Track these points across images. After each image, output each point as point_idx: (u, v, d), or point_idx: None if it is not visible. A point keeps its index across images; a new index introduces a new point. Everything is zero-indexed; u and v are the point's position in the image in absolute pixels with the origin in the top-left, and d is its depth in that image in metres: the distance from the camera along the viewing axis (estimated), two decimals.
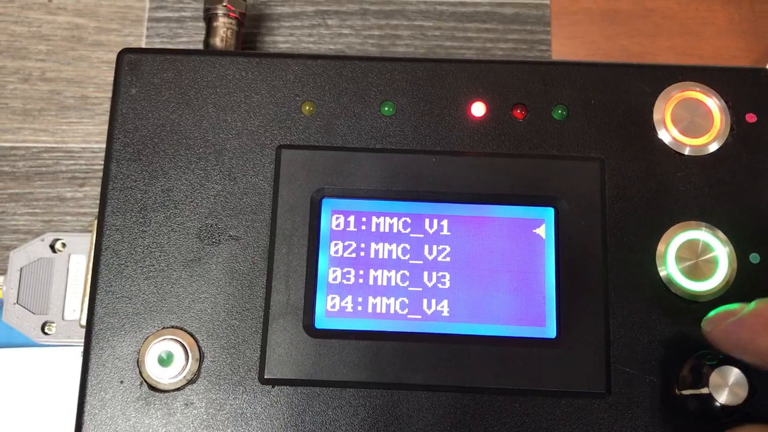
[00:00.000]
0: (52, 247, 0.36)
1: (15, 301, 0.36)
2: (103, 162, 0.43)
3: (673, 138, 0.32)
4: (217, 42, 0.39)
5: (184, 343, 0.29)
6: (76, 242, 0.36)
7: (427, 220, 0.31)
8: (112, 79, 0.44)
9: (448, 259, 0.30)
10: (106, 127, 0.43)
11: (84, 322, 0.33)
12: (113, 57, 0.44)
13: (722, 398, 0.26)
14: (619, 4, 0.47)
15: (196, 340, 0.29)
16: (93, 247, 0.33)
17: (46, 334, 0.36)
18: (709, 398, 0.26)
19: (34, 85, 0.44)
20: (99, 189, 0.42)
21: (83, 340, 0.33)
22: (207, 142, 0.32)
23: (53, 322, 0.36)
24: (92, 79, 0.44)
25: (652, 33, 0.46)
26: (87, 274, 0.34)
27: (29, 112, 0.43)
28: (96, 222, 0.32)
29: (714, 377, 0.26)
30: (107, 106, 0.44)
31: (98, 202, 0.42)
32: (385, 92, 0.32)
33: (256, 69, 0.32)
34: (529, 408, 0.29)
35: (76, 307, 0.36)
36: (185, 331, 0.29)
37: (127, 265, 0.30)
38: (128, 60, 0.32)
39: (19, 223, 0.42)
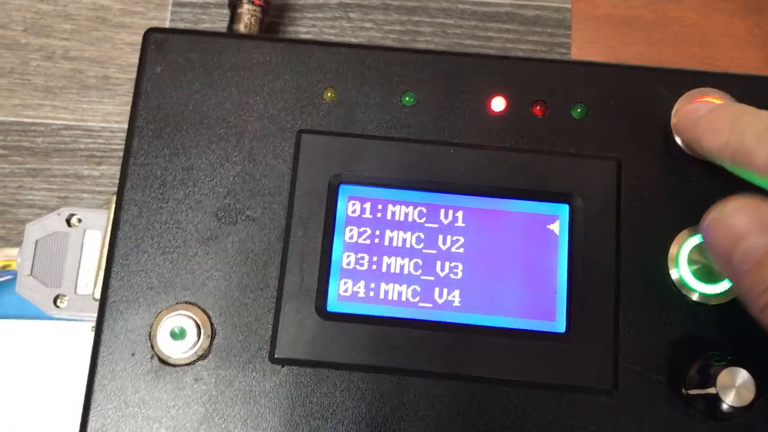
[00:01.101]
0: (68, 221, 0.37)
1: (29, 273, 0.36)
2: (121, 142, 0.43)
3: None
4: (241, 28, 0.39)
5: (197, 319, 0.29)
6: (92, 218, 0.37)
7: (442, 211, 0.31)
8: (134, 60, 0.44)
9: (461, 250, 0.31)
10: (126, 107, 0.44)
11: (97, 295, 0.33)
12: (136, 39, 0.45)
13: (729, 399, 0.26)
14: (639, 12, 0.47)
15: (209, 317, 0.29)
16: (110, 221, 0.33)
17: (58, 307, 0.36)
18: (716, 398, 0.27)
19: (57, 63, 0.44)
20: (116, 168, 0.43)
21: (95, 315, 0.33)
22: (228, 123, 0.32)
23: (65, 296, 0.36)
24: (115, 60, 0.45)
25: (671, 41, 0.46)
26: (102, 248, 0.35)
27: (51, 90, 0.44)
28: (114, 198, 0.33)
29: (722, 377, 0.26)
30: (128, 87, 0.44)
31: (115, 181, 0.43)
32: (406, 83, 0.32)
33: (280, 54, 0.33)
34: (535, 400, 0.29)
35: (89, 282, 0.36)
36: (198, 307, 0.30)
37: (144, 239, 0.30)
38: (155, 39, 0.33)
39: (35, 197, 0.42)
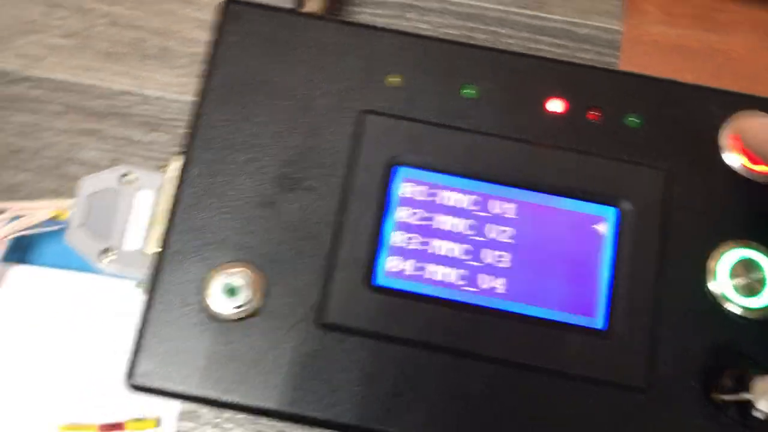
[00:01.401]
0: (122, 179, 0.38)
1: (79, 225, 0.37)
2: (174, 112, 0.44)
3: (738, 162, 0.33)
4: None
5: (250, 278, 0.30)
6: (146, 178, 0.37)
7: (496, 203, 0.32)
8: (195, 36, 0.46)
9: (510, 240, 0.32)
10: (183, 79, 0.45)
11: (147, 250, 0.34)
12: (200, 16, 0.46)
13: (762, 405, 0.27)
14: (687, 42, 0.48)
15: (261, 277, 0.30)
16: (165, 182, 0.34)
17: (104, 260, 0.37)
18: (748, 405, 0.27)
19: (121, 30, 0.45)
20: (167, 137, 0.44)
21: (139, 271, 0.34)
22: (295, 97, 0.33)
23: (113, 251, 0.37)
24: (176, 33, 0.46)
25: (715, 73, 0.48)
26: (156, 207, 0.36)
27: (112, 55, 0.45)
28: (170, 161, 0.34)
29: (757, 384, 0.27)
30: (186, 60, 0.45)
31: (166, 148, 0.44)
32: (470, 76, 0.33)
33: (349, 36, 0.34)
34: (567, 390, 0.30)
35: (137, 239, 0.37)
36: (253, 266, 0.30)
37: (205, 197, 0.31)
38: (232, 9, 0.34)
39: (88, 156, 0.43)
